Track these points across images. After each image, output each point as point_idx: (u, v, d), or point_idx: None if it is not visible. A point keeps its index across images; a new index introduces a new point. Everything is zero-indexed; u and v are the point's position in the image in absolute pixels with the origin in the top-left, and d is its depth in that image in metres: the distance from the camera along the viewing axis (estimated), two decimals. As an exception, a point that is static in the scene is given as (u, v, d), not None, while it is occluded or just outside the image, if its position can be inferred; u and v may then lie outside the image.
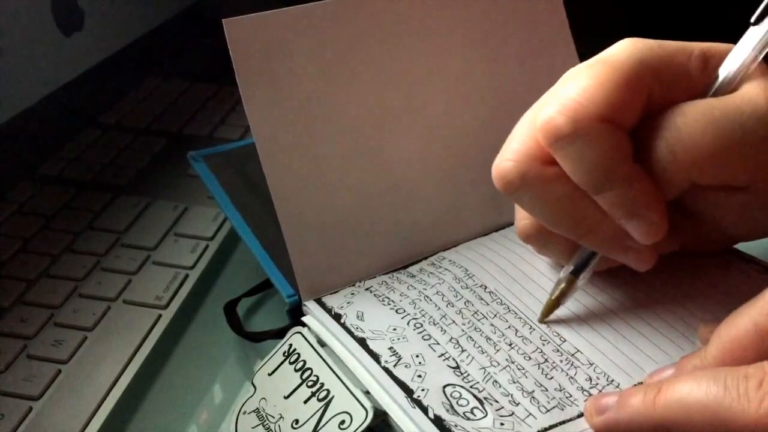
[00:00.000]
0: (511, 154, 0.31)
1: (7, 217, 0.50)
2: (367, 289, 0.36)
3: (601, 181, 0.30)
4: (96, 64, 0.59)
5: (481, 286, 0.36)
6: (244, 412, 0.33)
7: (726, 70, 0.31)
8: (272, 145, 0.36)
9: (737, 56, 0.31)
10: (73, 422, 0.36)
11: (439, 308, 0.35)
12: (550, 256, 0.36)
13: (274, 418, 0.32)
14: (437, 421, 0.29)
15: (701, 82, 0.31)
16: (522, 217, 0.34)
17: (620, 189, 0.30)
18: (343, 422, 0.30)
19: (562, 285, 0.34)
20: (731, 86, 0.31)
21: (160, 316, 0.42)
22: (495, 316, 0.34)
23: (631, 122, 0.30)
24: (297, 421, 0.31)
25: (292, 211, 0.36)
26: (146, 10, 0.65)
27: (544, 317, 0.34)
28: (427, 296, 0.35)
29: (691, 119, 0.29)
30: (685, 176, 0.30)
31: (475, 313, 0.35)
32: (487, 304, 0.35)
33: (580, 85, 0.30)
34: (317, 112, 0.37)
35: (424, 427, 0.29)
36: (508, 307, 0.35)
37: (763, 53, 0.31)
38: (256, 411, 0.33)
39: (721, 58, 0.31)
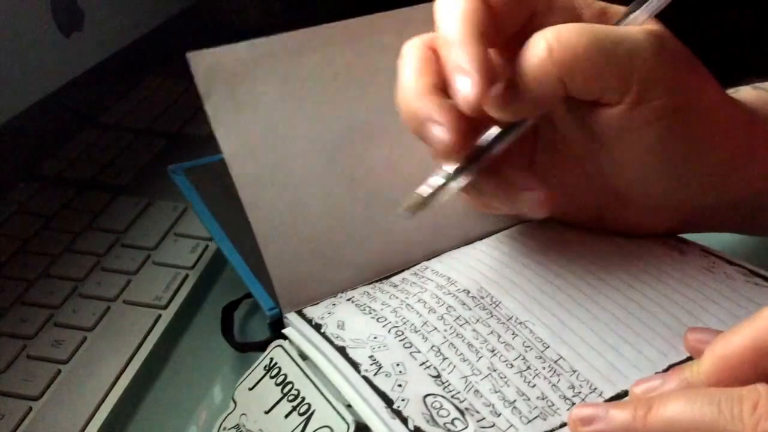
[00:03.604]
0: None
1: (7, 217, 0.50)
2: (348, 300, 0.36)
3: (444, 29, 0.32)
4: (96, 64, 0.59)
5: (464, 290, 0.36)
6: (225, 428, 0.33)
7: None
8: (244, 164, 0.36)
9: (630, 16, 0.33)
10: (73, 422, 0.36)
11: (421, 315, 0.34)
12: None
13: None
14: None
15: None
16: None
17: (457, 43, 0.31)
18: (323, 436, 0.30)
19: (437, 185, 0.33)
20: None
21: (159, 316, 0.42)
22: (477, 321, 0.34)
23: (505, 12, 0.33)
24: (277, 437, 0.31)
25: (267, 226, 0.36)
26: (146, 10, 0.65)
27: (410, 208, 0.33)
28: (409, 304, 0.35)
29: (573, 26, 0.31)
30: (558, 77, 0.31)
31: (457, 318, 0.34)
32: (470, 309, 0.34)
33: None
34: (286, 132, 0.37)
35: None
36: (491, 312, 0.34)
37: (653, 13, 0.33)
38: (237, 427, 0.32)
39: (615, 17, 0.34)
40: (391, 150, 0.39)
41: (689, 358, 0.31)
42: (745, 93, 0.38)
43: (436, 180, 0.33)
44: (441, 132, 0.31)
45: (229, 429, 0.32)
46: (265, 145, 0.37)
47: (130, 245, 0.47)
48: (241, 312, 0.42)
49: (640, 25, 0.33)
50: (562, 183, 0.38)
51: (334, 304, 0.36)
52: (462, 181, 0.33)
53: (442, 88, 0.32)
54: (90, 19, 0.57)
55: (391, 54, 0.34)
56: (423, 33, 0.34)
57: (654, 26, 0.33)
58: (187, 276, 0.45)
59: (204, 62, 0.36)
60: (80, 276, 0.44)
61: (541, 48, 0.31)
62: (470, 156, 0.33)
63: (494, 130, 0.33)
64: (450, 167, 0.33)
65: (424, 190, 0.33)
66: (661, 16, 0.33)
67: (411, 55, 0.33)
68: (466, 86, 0.31)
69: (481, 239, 0.40)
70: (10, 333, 0.40)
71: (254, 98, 0.37)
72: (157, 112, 0.63)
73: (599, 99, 0.33)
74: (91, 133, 0.60)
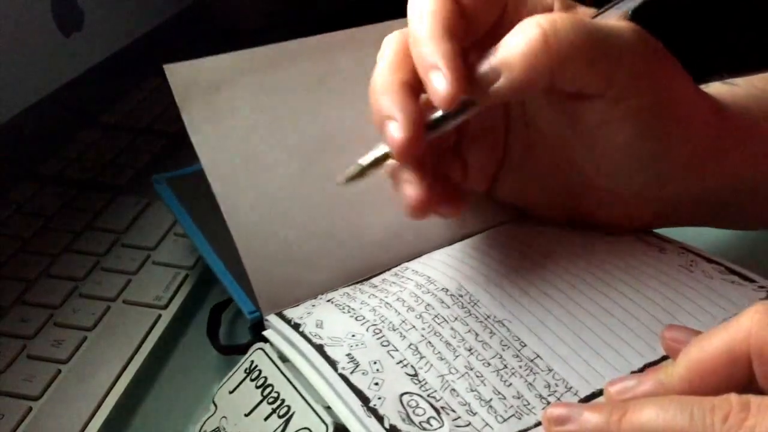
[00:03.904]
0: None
1: (7, 217, 0.50)
2: (328, 301, 0.36)
3: (413, 26, 0.32)
4: (96, 64, 0.59)
5: (443, 289, 0.35)
6: None
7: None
8: (221, 172, 0.36)
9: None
10: (73, 422, 0.36)
11: (399, 313, 0.34)
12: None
13: None
14: (392, 431, 0.29)
15: None
16: None
17: (428, 40, 0.31)
18: (302, 438, 0.30)
19: (376, 156, 0.33)
20: None
21: (159, 316, 0.42)
22: (455, 319, 0.34)
23: (476, 10, 0.33)
24: (257, 439, 0.31)
25: (246, 232, 0.36)
26: (146, 10, 0.65)
27: (348, 177, 0.33)
28: (388, 303, 0.35)
29: (565, 16, 0.31)
30: (549, 66, 0.31)
31: (436, 316, 0.34)
32: (448, 307, 0.34)
33: None
34: (262, 141, 0.38)
35: None
36: (469, 311, 0.34)
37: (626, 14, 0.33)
38: (217, 430, 0.32)
39: (584, 16, 0.33)
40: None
41: (666, 357, 0.31)
42: (715, 88, 0.39)
43: (377, 152, 0.33)
44: (396, 130, 0.31)
45: None
46: (242, 154, 0.37)
47: (130, 245, 0.47)
48: (231, 313, 0.42)
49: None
50: (535, 173, 0.38)
51: (313, 305, 0.36)
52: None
53: (414, 84, 0.32)
54: (90, 19, 0.57)
55: (368, 66, 0.34)
56: None
57: (631, 24, 0.33)
58: (187, 276, 0.45)
59: (181, 74, 0.37)
60: (80, 276, 0.44)
61: (535, 34, 0.31)
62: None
63: (440, 112, 0.32)
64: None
65: (365, 160, 0.33)
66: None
67: (389, 49, 0.33)
68: (441, 84, 0.31)
69: (461, 240, 0.40)
70: (10, 333, 0.40)
71: (231, 109, 0.37)
72: (157, 112, 0.62)
73: (581, 91, 0.32)
74: (91, 133, 0.60)
